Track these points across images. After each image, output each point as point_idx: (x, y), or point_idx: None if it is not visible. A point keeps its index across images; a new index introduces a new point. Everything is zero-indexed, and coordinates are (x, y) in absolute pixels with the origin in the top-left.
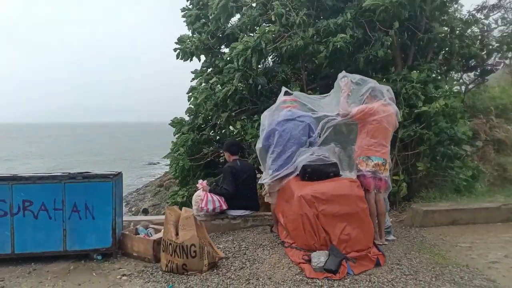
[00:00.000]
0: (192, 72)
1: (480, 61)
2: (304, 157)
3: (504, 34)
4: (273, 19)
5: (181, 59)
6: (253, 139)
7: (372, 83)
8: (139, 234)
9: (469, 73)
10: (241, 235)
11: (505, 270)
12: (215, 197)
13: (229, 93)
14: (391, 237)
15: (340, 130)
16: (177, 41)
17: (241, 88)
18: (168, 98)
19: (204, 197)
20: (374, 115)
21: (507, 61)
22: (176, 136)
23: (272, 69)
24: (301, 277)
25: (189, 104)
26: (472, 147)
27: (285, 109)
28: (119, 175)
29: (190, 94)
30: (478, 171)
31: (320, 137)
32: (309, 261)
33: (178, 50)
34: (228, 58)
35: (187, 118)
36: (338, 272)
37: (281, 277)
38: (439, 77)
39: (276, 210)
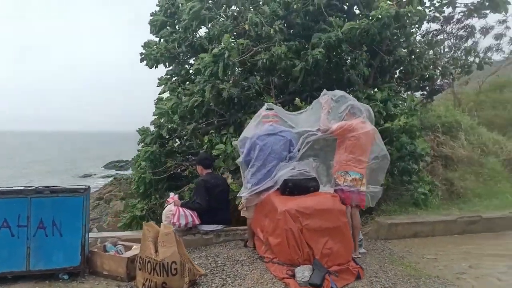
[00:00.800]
0: (158, 79)
1: (431, 81)
2: (285, 172)
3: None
4: (247, 28)
5: (146, 64)
6: (221, 155)
7: (351, 100)
8: (107, 251)
9: (418, 92)
10: (214, 250)
11: (473, 280)
12: (187, 212)
13: (196, 104)
14: (363, 250)
15: (318, 145)
16: (143, 45)
17: (209, 100)
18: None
19: (176, 212)
20: (352, 131)
21: (453, 82)
22: (141, 145)
23: (245, 81)
24: None
25: (154, 115)
26: (422, 162)
27: (267, 123)
28: (88, 189)
29: (156, 104)
30: (433, 185)
31: (299, 151)
32: (293, 276)
33: (144, 55)
34: (195, 69)
35: (152, 128)
36: (323, 286)
37: None
38: (400, 96)
39: (253, 224)
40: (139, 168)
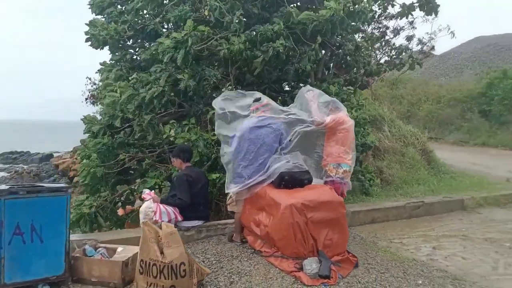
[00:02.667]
0: (101, 64)
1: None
2: (280, 164)
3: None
4: (206, 13)
5: (91, 45)
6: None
7: (329, 97)
8: (87, 255)
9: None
10: (199, 247)
11: (444, 260)
12: (169, 209)
13: (155, 94)
14: None
15: (305, 137)
16: (88, 23)
17: (168, 90)
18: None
19: (156, 209)
20: (343, 124)
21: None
22: (87, 136)
23: (202, 72)
24: (300, 286)
25: (104, 104)
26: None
27: (256, 116)
28: (70, 187)
29: (104, 92)
30: (373, 174)
31: (291, 141)
32: (301, 269)
33: (90, 35)
34: (150, 55)
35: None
36: (332, 276)
37: None
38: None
39: (243, 219)
40: (89, 161)
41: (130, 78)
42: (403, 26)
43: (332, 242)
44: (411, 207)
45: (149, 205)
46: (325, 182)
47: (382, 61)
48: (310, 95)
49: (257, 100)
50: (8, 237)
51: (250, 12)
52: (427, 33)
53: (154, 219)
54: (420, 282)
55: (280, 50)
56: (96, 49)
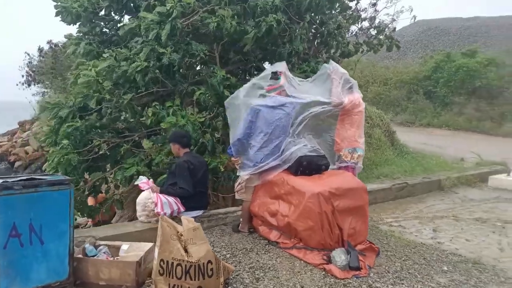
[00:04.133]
0: (66, 37)
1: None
2: (297, 148)
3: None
4: None
5: (62, 20)
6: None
7: (350, 77)
8: (88, 255)
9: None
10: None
11: (451, 243)
12: (170, 199)
13: (138, 68)
14: None
15: (316, 120)
16: None
17: (152, 65)
18: None
19: (157, 200)
20: (359, 106)
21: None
22: (53, 121)
23: (187, 47)
24: (333, 280)
25: (77, 83)
26: None
27: (271, 96)
28: (73, 180)
29: (76, 71)
30: None
31: (302, 124)
32: (329, 261)
33: (61, 8)
34: (128, 29)
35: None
36: (361, 267)
37: (314, 284)
38: None
39: (256, 208)
40: (59, 148)
41: (105, 53)
42: (365, 8)
43: (355, 230)
44: (396, 189)
45: (148, 195)
46: (339, 168)
47: (360, 41)
48: (332, 70)
49: (274, 75)
50: (3, 240)
51: None
52: (388, 14)
53: (156, 211)
54: (446, 268)
55: (274, 25)
56: (69, 24)
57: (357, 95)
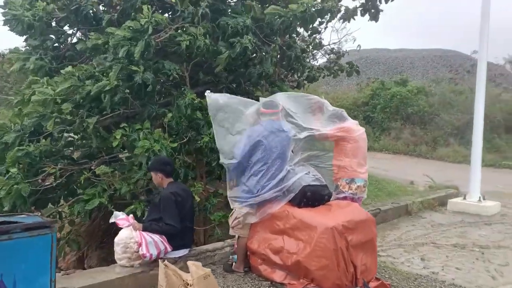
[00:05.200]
0: (12, 52)
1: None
2: (300, 177)
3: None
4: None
5: (12, 30)
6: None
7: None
8: None
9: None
10: None
11: (443, 272)
12: (156, 237)
13: (105, 88)
14: None
15: (313, 147)
16: (3, 4)
17: (123, 85)
18: None
19: (141, 239)
20: (349, 133)
21: None
22: None
23: (158, 65)
24: None
25: (29, 102)
26: None
27: (268, 120)
28: (55, 221)
29: (26, 89)
30: None
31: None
32: None
33: (11, 17)
34: (93, 45)
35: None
36: None
37: None
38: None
39: (252, 244)
40: (7, 178)
41: (62, 71)
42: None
43: (366, 267)
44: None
45: (129, 234)
46: (336, 199)
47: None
48: (317, 104)
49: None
50: None
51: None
52: (333, 42)
53: (141, 252)
54: None
55: (249, 47)
56: (21, 35)
57: (347, 123)
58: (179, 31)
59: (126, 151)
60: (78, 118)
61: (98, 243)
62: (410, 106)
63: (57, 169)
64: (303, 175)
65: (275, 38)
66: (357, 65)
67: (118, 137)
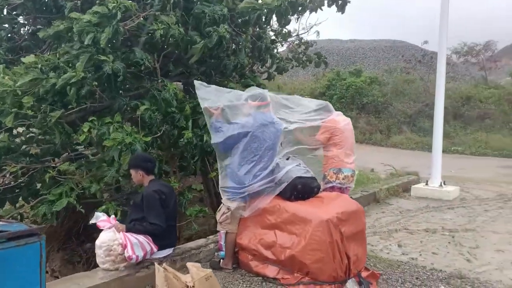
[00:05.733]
0: None
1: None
2: (290, 169)
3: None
4: None
5: None
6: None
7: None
8: None
9: None
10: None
11: (421, 257)
12: (141, 238)
13: (71, 81)
14: None
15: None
16: None
17: (91, 76)
18: None
19: (125, 241)
20: (335, 124)
21: None
22: None
23: (129, 55)
24: None
25: None
26: None
27: (258, 112)
28: (42, 228)
29: None
30: None
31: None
32: None
33: None
34: (54, 33)
35: None
36: None
37: None
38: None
39: (242, 240)
40: None
41: (25, 59)
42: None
43: (357, 257)
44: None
45: (112, 236)
46: (325, 189)
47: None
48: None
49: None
50: None
51: None
52: (302, 33)
53: (126, 255)
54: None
55: (226, 36)
56: None
57: (332, 117)
58: (148, 19)
59: (93, 147)
60: (40, 112)
61: (61, 244)
62: (365, 96)
63: (18, 168)
64: (294, 167)
65: (247, 29)
66: (325, 56)
67: (85, 130)
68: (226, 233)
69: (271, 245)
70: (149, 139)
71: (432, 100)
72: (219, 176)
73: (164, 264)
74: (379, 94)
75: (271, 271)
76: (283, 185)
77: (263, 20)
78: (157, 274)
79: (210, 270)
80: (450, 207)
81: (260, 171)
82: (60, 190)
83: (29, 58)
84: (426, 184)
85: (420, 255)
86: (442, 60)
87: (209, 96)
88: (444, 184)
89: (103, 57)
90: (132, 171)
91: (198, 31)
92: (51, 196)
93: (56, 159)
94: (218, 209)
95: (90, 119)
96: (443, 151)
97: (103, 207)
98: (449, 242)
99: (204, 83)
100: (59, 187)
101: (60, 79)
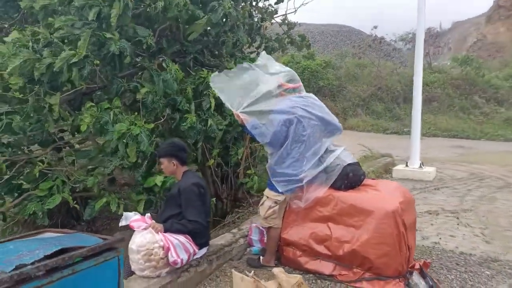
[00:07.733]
0: None
1: None
2: (338, 155)
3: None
4: None
5: None
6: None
7: None
8: None
9: None
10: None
11: (442, 241)
12: (182, 239)
13: (72, 61)
14: None
15: None
16: None
17: (93, 55)
18: None
19: (167, 243)
20: None
21: None
22: None
23: (130, 31)
24: None
25: None
26: None
27: (295, 95)
28: (122, 239)
29: None
30: None
31: None
32: None
33: None
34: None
35: None
36: None
37: None
38: None
39: (288, 236)
40: None
41: (10, 37)
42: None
43: (412, 248)
44: None
45: (152, 238)
46: None
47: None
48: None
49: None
50: None
51: None
52: (289, 13)
53: (171, 259)
54: (489, 273)
55: (231, 12)
56: None
57: None
58: None
59: (79, 135)
60: (31, 96)
61: None
62: (320, 79)
63: (1, 161)
64: (342, 153)
65: (242, 5)
66: (308, 39)
67: (87, 120)
68: (269, 228)
69: (324, 239)
70: (151, 126)
71: (383, 83)
72: (268, 167)
73: (252, 273)
74: (333, 78)
75: (326, 267)
76: (337, 172)
77: None
78: (241, 284)
79: (300, 276)
80: (435, 187)
81: (307, 161)
82: (50, 185)
83: (13, 35)
84: (406, 165)
85: (440, 238)
86: (419, 44)
87: (225, 86)
88: (423, 165)
89: (108, 35)
90: (164, 161)
91: (198, 4)
92: (39, 191)
93: (37, 150)
94: (261, 203)
95: (89, 105)
96: (396, 133)
97: (104, 200)
98: (458, 224)
99: (217, 73)
100: (47, 180)
101: (58, 59)
